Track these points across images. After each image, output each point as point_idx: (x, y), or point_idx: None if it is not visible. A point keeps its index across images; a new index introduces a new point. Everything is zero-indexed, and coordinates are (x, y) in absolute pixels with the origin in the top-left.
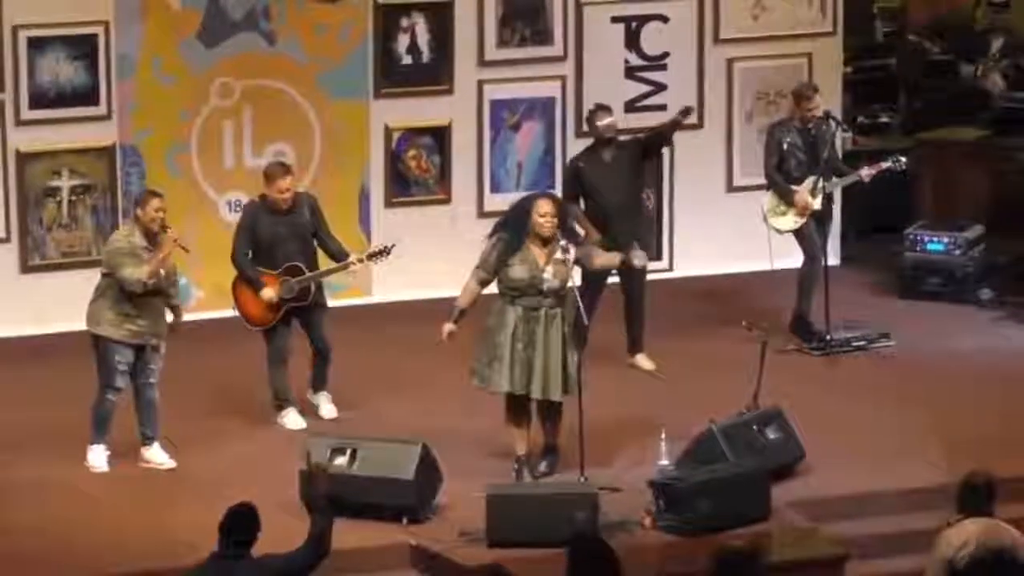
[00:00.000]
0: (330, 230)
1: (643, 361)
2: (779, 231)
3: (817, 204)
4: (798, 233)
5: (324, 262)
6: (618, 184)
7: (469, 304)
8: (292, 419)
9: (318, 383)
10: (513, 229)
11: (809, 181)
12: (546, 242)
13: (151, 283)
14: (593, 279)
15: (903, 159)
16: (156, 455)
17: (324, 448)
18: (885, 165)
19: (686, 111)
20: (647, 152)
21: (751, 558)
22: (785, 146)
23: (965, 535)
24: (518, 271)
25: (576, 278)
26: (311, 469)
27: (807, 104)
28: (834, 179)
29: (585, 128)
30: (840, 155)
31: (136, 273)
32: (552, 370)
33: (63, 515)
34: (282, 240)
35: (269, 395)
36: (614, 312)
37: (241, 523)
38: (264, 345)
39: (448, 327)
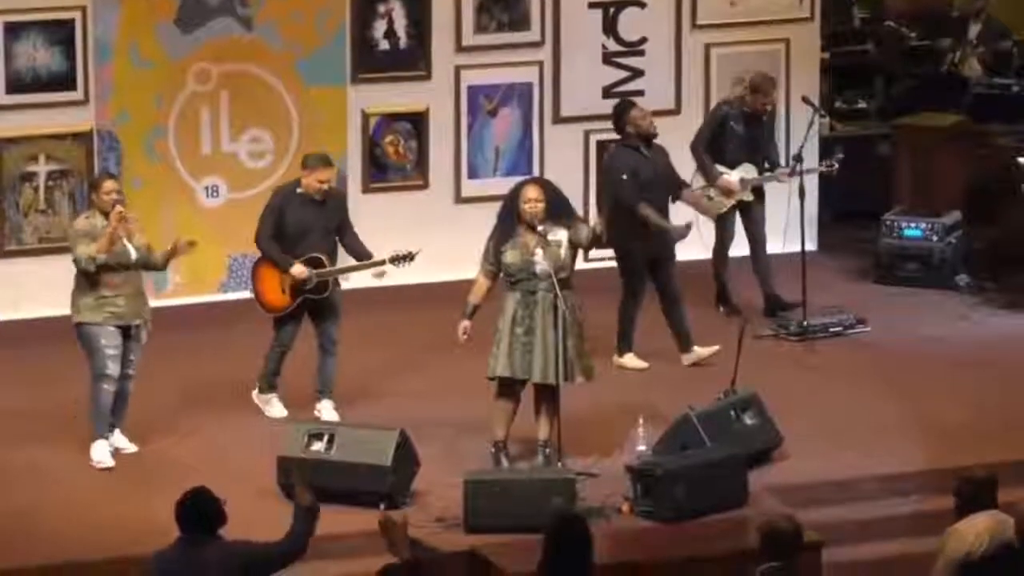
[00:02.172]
0: (354, 228)
1: (701, 351)
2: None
3: (748, 196)
4: (745, 227)
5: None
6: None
7: (481, 299)
8: (275, 407)
9: (325, 387)
10: (506, 217)
11: (741, 169)
12: (534, 227)
13: (100, 258)
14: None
15: (835, 164)
16: (118, 440)
17: (302, 434)
18: (818, 168)
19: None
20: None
21: (796, 535)
22: (728, 127)
23: (976, 530)
24: (510, 256)
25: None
26: (296, 480)
27: (762, 99)
28: (762, 174)
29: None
30: (816, 142)
31: (86, 251)
32: (551, 354)
33: (35, 501)
34: (309, 231)
35: (259, 374)
36: (603, 297)
37: (194, 508)
38: (241, 330)
39: (463, 324)
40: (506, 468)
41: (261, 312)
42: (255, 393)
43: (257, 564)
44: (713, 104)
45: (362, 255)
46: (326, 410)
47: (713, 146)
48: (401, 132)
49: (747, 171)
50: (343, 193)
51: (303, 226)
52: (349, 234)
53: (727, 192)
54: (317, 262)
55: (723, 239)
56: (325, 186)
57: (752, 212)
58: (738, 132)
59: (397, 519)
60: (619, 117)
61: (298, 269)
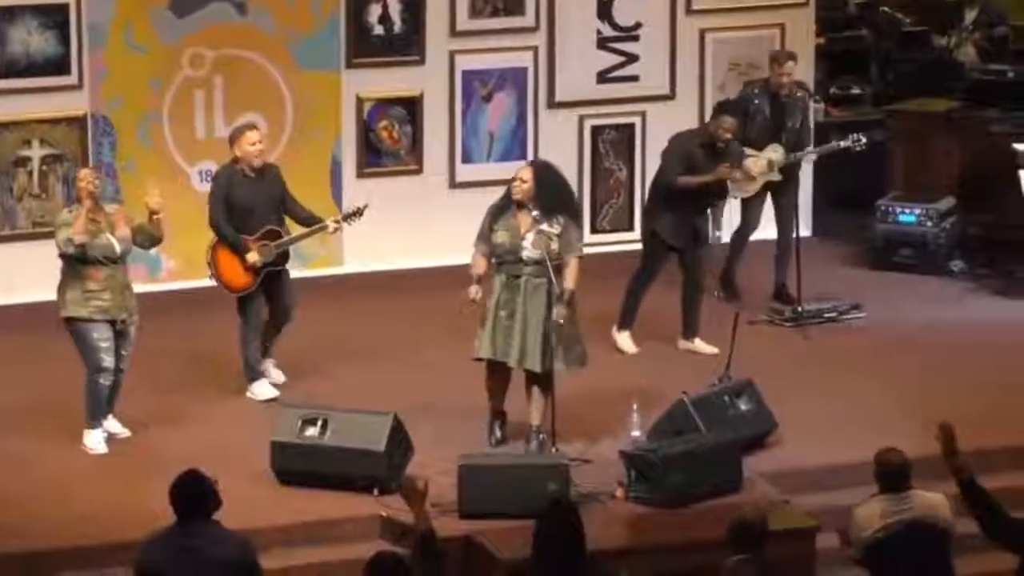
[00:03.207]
0: (294, 197)
1: (701, 345)
2: (745, 201)
3: (775, 176)
4: (745, 200)
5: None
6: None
7: (483, 271)
8: (264, 388)
9: (267, 351)
10: (505, 194)
11: (770, 151)
12: (523, 207)
13: (81, 240)
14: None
15: (863, 139)
16: (111, 425)
17: (295, 419)
18: (842, 144)
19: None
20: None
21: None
22: (752, 108)
23: (872, 512)
24: (500, 236)
25: None
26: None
27: (778, 69)
28: (792, 154)
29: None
30: (812, 127)
31: (65, 233)
32: (531, 340)
33: (28, 486)
34: (257, 206)
35: (242, 365)
36: (601, 280)
37: (187, 491)
38: (235, 315)
39: (473, 288)
40: (500, 453)
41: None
42: (251, 387)
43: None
44: (709, 90)
45: (310, 221)
46: (272, 369)
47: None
48: (395, 117)
49: (775, 152)
50: (277, 166)
51: (250, 203)
52: (292, 203)
53: (749, 177)
54: (274, 234)
55: (746, 224)
56: (259, 146)
57: (782, 196)
58: (763, 113)
59: (419, 486)
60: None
61: (253, 256)
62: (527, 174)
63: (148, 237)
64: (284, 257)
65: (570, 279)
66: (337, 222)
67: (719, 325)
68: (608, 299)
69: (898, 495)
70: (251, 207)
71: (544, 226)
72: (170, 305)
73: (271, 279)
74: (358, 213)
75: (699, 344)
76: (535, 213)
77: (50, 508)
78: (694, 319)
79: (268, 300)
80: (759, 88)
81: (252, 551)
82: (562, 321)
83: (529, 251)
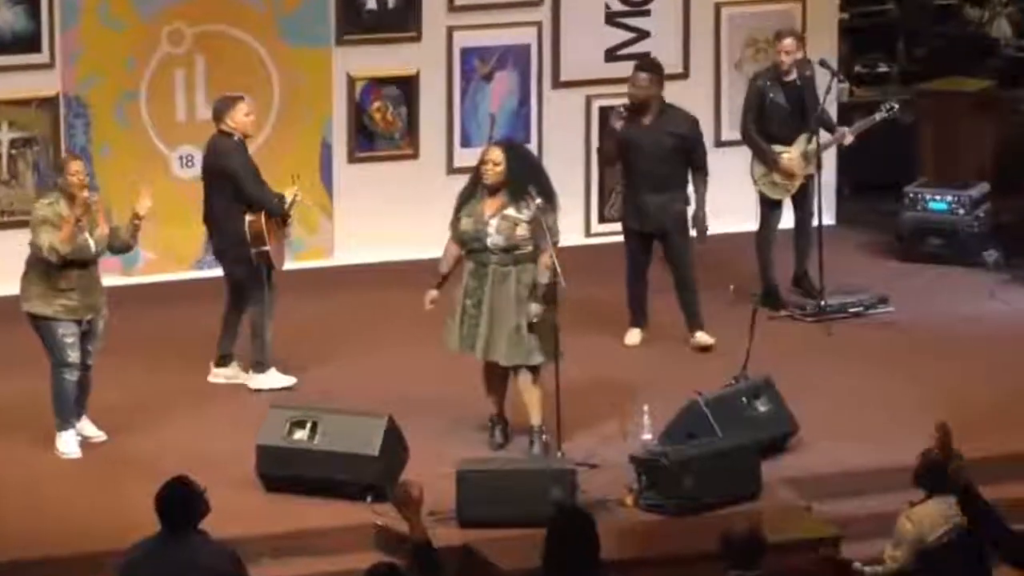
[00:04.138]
0: None
1: (701, 338)
2: (772, 199)
3: (810, 169)
4: (794, 199)
5: None
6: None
7: (450, 267)
8: (278, 377)
9: (234, 342)
10: (472, 178)
11: (800, 142)
12: (495, 192)
13: (66, 251)
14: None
15: (894, 105)
16: (86, 428)
17: (283, 421)
18: (878, 116)
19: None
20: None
21: (753, 538)
22: (767, 101)
23: (930, 515)
24: (464, 223)
25: None
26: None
27: (777, 46)
28: (825, 139)
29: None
30: (835, 108)
31: (49, 240)
32: (496, 332)
33: (2, 495)
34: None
35: (255, 354)
36: (605, 275)
37: (174, 499)
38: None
39: (430, 294)
40: (501, 458)
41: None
42: (258, 376)
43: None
44: (725, 70)
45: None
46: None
47: (759, 125)
48: (389, 97)
49: (805, 143)
50: None
51: (257, 169)
52: None
53: (790, 175)
54: (282, 199)
55: (768, 224)
56: (252, 117)
57: (805, 187)
58: (780, 103)
59: (414, 492)
60: None
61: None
62: (498, 155)
63: (122, 243)
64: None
65: (544, 272)
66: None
67: (737, 321)
68: (616, 292)
69: (946, 498)
70: (261, 179)
71: (510, 210)
72: (148, 300)
73: None
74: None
75: (699, 337)
76: (505, 197)
77: (21, 516)
78: (690, 312)
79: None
80: (768, 78)
81: (242, 563)
82: (535, 320)
83: (493, 237)
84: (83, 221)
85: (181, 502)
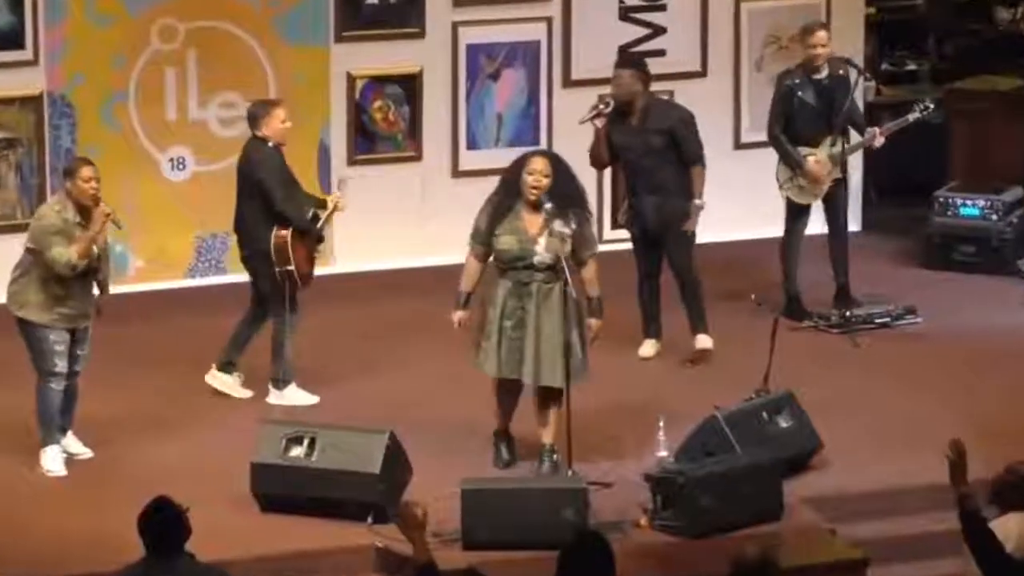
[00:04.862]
0: None
1: (701, 341)
2: (799, 203)
3: (837, 172)
4: (825, 204)
5: None
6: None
7: (474, 285)
8: (298, 394)
9: (244, 349)
10: (505, 191)
11: (826, 144)
12: (536, 205)
13: (82, 265)
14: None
15: (929, 104)
16: (71, 444)
17: (279, 437)
18: (912, 117)
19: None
20: None
21: (765, 565)
22: (795, 100)
23: (1005, 531)
24: (505, 242)
25: None
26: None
27: (809, 40)
28: (854, 141)
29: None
30: (861, 108)
31: (66, 254)
32: (545, 353)
33: None
34: (294, 182)
35: (275, 368)
36: (618, 285)
37: (156, 522)
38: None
39: (457, 315)
40: (509, 477)
41: (236, 300)
42: (277, 392)
43: None
44: (745, 66)
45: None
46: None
47: (787, 129)
48: (391, 97)
49: (831, 145)
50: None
51: (292, 178)
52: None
53: (816, 180)
54: (315, 217)
55: (794, 230)
56: (288, 124)
57: (835, 190)
58: (809, 103)
59: (418, 512)
60: None
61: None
62: (545, 166)
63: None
64: (321, 240)
65: (596, 284)
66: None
67: (758, 332)
68: (629, 302)
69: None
70: (296, 187)
71: (557, 225)
72: (138, 309)
73: None
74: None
75: (698, 340)
76: (548, 207)
77: (3, 538)
78: (690, 315)
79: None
80: (796, 76)
81: None
82: (596, 335)
83: (542, 256)
84: (100, 237)
85: (164, 525)
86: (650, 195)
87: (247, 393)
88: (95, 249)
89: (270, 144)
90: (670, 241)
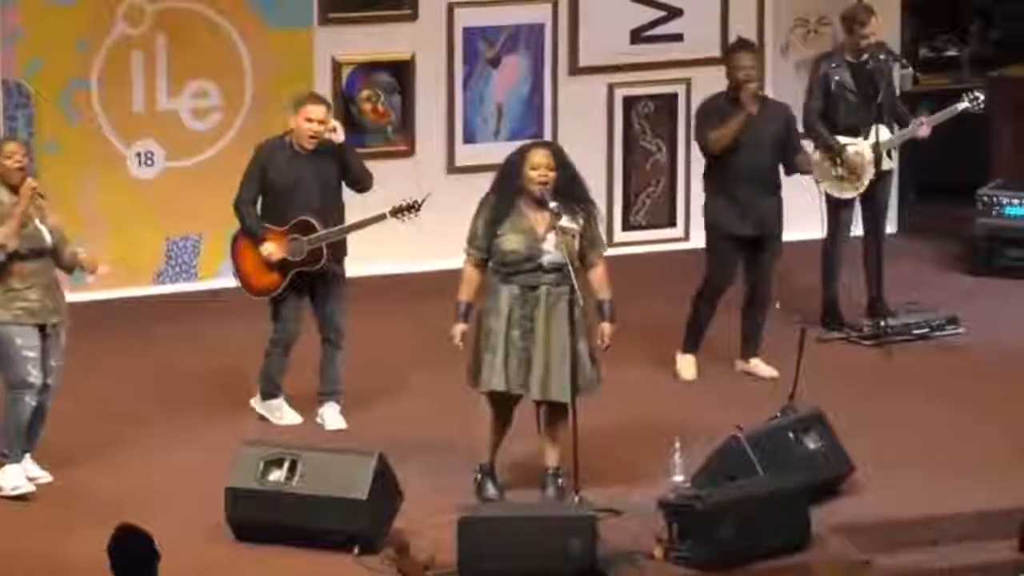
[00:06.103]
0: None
1: (760, 367)
2: (838, 199)
3: (886, 163)
4: (863, 198)
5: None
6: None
7: (474, 294)
8: (286, 413)
9: (329, 388)
10: (503, 189)
11: (870, 134)
12: (541, 202)
13: (15, 246)
14: None
15: (980, 96)
16: (29, 468)
17: (256, 460)
18: (960, 106)
19: None
20: None
21: None
22: (834, 86)
23: None
24: (511, 242)
25: None
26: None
27: (860, 31)
28: (892, 133)
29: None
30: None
31: None
32: (555, 365)
33: None
34: (299, 187)
35: (259, 376)
36: (630, 291)
37: (123, 551)
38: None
39: (459, 328)
40: (496, 499)
41: (242, 301)
42: (255, 401)
43: None
44: (769, 53)
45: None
46: (330, 416)
47: (826, 115)
48: (380, 85)
49: (875, 135)
50: (337, 143)
51: (293, 182)
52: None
53: (854, 170)
54: (307, 227)
55: (835, 228)
56: (315, 126)
57: (876, 186)
58: (848, 91)
59: (417, 556)
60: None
61: (267, 248)
62: (549, 159)
63: (60, 251)
64: (319, 256)
65: (607, 287)
66: (385, 216)
67: (784, 343)
68: (642, 310)
69: None
70: (293, 187)
71: (565, 221)
72: (101, 318)
73: (314, 284)
74: (414, 208)
75: (757, 365)
76: (553, 205)
77: None
78: (755, 335)
79: (315, 310)
80: (835, 60)
81: None
82: (609, 342)
83: (552, 255)
84: (30, 212)
85: (133, 555)
86: (771, 196)
87: (338, 423)
88: (44, 231)
89: (284, 139)
90: (770, 248)
